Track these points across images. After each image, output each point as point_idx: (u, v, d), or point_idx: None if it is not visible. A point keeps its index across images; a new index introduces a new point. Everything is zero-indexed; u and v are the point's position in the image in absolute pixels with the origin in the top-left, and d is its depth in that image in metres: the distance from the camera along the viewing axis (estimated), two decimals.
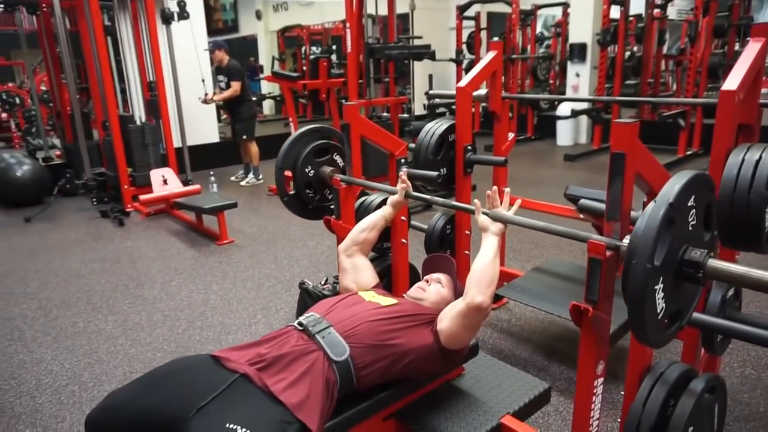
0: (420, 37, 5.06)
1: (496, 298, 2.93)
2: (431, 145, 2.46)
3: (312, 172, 2.19)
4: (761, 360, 2.37)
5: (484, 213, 1.60)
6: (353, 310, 1.53)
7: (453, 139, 2.50)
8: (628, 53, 7.64)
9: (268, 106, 13.10)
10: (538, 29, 9.81)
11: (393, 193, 1.94)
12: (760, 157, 1.60)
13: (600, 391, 1.47)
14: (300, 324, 1.46)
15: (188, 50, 5.94)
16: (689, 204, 1.08)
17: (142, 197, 4.77)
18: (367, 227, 1.88)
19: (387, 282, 2.53)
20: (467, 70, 9.34)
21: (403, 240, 2.39)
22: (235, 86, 5.48)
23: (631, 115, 8.48)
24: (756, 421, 1.99)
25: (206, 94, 5.75)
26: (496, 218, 1.56)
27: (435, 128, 2.50)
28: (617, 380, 2.17)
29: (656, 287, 1.03)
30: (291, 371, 1.32)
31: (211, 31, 12.91)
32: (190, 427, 1.19)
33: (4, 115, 9.36)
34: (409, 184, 1.90)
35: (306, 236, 4.24)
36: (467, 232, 2.62)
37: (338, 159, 2.24)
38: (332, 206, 2.24)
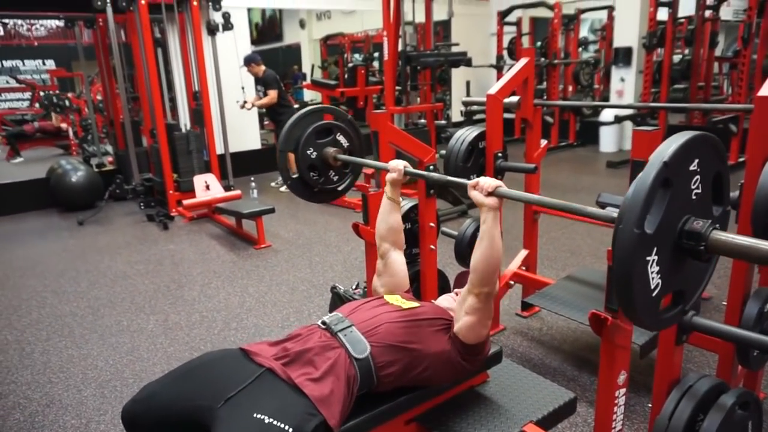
0: (457, 44, 5.07)
1: (526, 306, 2.91)
2: (461, 152, 2.48)
3: (315, 153, 2.11)
4: None
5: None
6: (375, 312, 1.56)
7: (483, 146, 2.50)
8: (678, 57, 7.39)
9: None
10: (585, 33, 9.62)
11: (387, 170, 1.85)
12: None
13: (622, 402, 1.44)
14: (323, 323, 1.51)
15: (232, 60, 6.15)
16: (691, 168, 0.96)
17: (186, 202, 4.96)
18: (382, 218, 1.85)
19: (416, 288, 2.54)
20: None
21: (432, 246, 2.40)
22: (272, 94, 5.62)
23: (681, 120, 8.19)
24: None
25: (245, 101, 5.92)
26: (491, 193, 1.44)
27: (465, 135, 2.51)
28: (647, 392, 2.11)
29: (648, 258, 0.91)
30: (314, 366, 1.37)
31: (256, 39, 13.29)
32: (219, 417, 1.25)
33: (63, 125, 9.92)
34: (407, 164, 1.82)
35: (341, 242, 4.31)
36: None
37: (342, 139, 2.15)
38: (339, 188, 2.20)
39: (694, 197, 0.97)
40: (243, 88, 5.80)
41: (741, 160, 6.30)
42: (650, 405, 1.95)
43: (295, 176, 2.15)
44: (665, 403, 1.50)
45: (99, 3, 4.83)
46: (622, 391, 1.43)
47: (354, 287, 2.88)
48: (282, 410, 1.25)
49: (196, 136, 5.44)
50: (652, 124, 6.83)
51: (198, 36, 5.25)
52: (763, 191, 1.57)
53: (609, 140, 7.77)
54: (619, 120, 6.46)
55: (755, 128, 1.67)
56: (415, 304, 1.66)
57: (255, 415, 1.22)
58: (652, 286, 0.93)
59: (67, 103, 9.96)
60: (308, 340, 1.44)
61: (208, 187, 5.10)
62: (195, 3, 5.15)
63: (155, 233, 4.88)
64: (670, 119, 7.40)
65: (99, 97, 9.21)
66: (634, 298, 0.92)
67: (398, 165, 1.79)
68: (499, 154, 2.48)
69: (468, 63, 4.51)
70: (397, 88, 4.85)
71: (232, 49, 5.76)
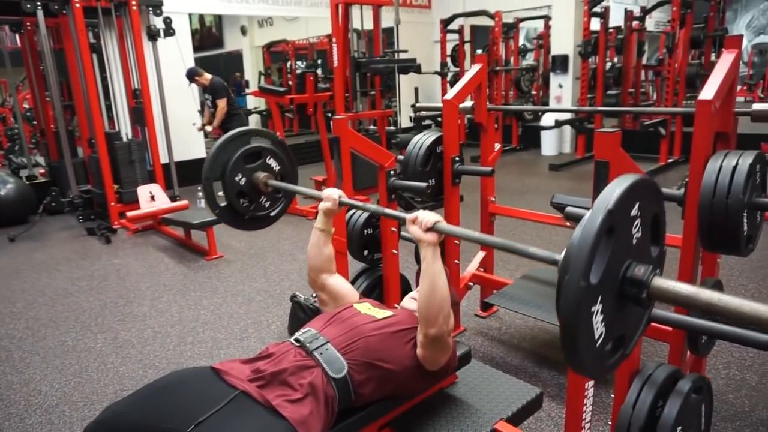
0: (406, 51, 5.13)
1: (486, 306, 2.97)
2: (420, 157, 2.51)
3: (243, 179, 1.98)
4: (745, 361, 2.43)
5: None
6: (349, 325, 1.53)
7: (441, 150, 2.55)
8: (609, 64, 7.81)
9: (254, 121, 13.10)
10: (521, 41, 9.98)
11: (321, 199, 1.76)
12: (737, 164, 1.67)
13: (591, 394, 1.50)
14: (297, 340, 1.46)
15: (175, 67, 5.96)
16: (632, 213, 0.93)
17: (129, 214, 4.75)
18: (316, 251, 1.74)
19: (378, 292, 2.55)
20: (452, 83, 9.45)
21: (394, 251, 2.42)
22: (221, 104, 5.50)
23: (613, 124, 8.64)
24: (741, 421, 2.04)
25: (203, 125, 5.80)
26: (429, 228, 1.39)
27: (423, 140, 2.55)
28: (607, 384, 2.20)
29: (593, 309, 0.88)
30: (291, 387, 1.33)
31: (197, 46, 12.96)
32: None
33: None
34: (342, 193, 1.73)
35: (296, 250, 4.25)
36: (456, 242, 2.65)
37: (272, 162, 2.04)
38: (271, 213, 2.10)
39: (634, 242, 0.95)
40: (199, 110, 5.67)
41: (670, 160, 6.72)
42: (612, 395, 2.04)
43: (223, 205, 2.00)
44: (628, 392, 1.58)
45: (29, 6, 4.56)
46: (591, 383, 1.48)
47: (314, 295, 2.84)
48: None
49: (138, 144, 5.23)
50: (589, 129, 7.18)
51: (138, 41, 5.06)
52: (705, 190, 1.68)
53: (550, 144, 8.09)
54: (559, 124, 6.73)
55: (698, 129, 1.79)
56: (388, 312, 1.63)
57: None
58: (596, 336, 0.90)
59: None
60: (282, 360, 1.39)
61: (153, 197, 4.90)
62: (134, 7, 4.96)
63: (97, 247, 4.64)
64: (604, 123, 7.79)
65: (26, 105, 8.67)
66: (579, 350, 0.89)
67: (333, 194, 1.70)
68: (456, 158, 2.53)
69: (417, 69, 4.58)
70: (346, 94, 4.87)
71: (174, 55, 5.59)
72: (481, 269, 2.92)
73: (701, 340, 1.87)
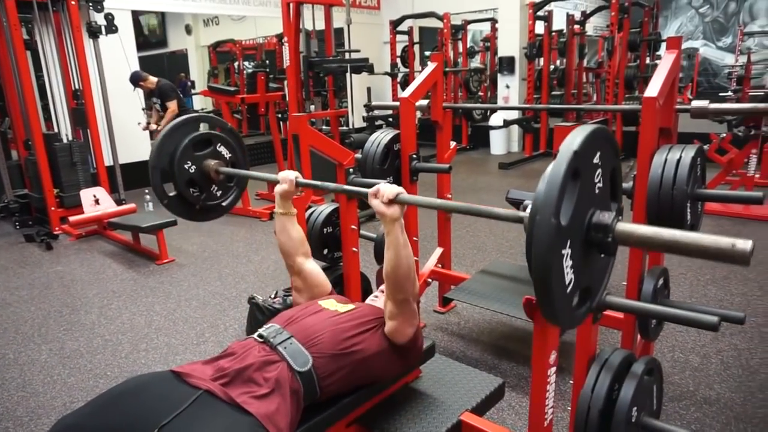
0: (358, 51, 5.14)
1: (446, 301, 3.02)
2: (377, 155, 2.53)
3: (193, 167, 1.91)
4: (687, 344, 2.57)
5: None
6: (313, 320, 1.52)
7: (398, 148, 2.57)
8: (552, 66, 8.09)
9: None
10: (469, 43, 10.18)
11: (276, 182, 1.72)
12: (680, 157, 1.77)
13: (553, 380, 1.55)
14: (260, 336, 1.44)
15: (118, 64, 5.73)
16: (595, 161, 0.95)
17: (72, 218, 4.52)
18: (284, 235, 1.73)
19: (339, 291, 2.54)
20: (402, 83, 9.53)
21: (354, 249, 2.42)
22: (172, 106, 5.34)
23: (557, 123, 8.96)
24: (687, 400, 2.16)
25: (147, 122, 5.60)
26: (391, 200, 1.36)
27: (380, 138, 2.57)
28: (563, 372, 2.29)
29: (564, 252, 0.88)
30: (256, 383, 1.31)
31: (139, 45, 12.51)
32: None
33: None
34: (299, 174, 1.69)
35: (250, 252, 4.17)
36: (414, 238, 2.68)
37: (223, 150, 1.98)
38: (223, 203, 2.03)
39: (597, 191, 0.96)
40: (143, 109, 5.47)
41: None
42: (570, 383, 2.11)
43: (172, 194, 1.93)
44: (587, 377, 1.64)
45: None
46: (553, 369, 1.53)
47: (273, 296, 2.80)
48: (226, 430, 1.19)
49: (80, 146, 4.99)
50: (536, 128, 7.41)
51: (78, 38, 4.83)
52: (653, 182, 1.77)
53: (499, 143, 8.30)
54: (507, 124, 6.92)
55: (644, 124, 1.88)
56: (351, 306, 1.65)
57: None
58: (567, 282, 0.90)
59: None
60: (246, 357, 1.36)
61: (97, 201, 4.69)
62: (73, 2, 4.73)
63: (37, 254, 4.39)
64: (549, 122, 8.07)
65: None
66: (553, 295, 0.89)
67: (289, 175, 1.66)
68: (414, 156, 2.56)
69: (370, 69, 4.59)
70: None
71: (118, 54, 5.37)
72: (439, 265, 2.96)
73: (651, 324, 1.97)
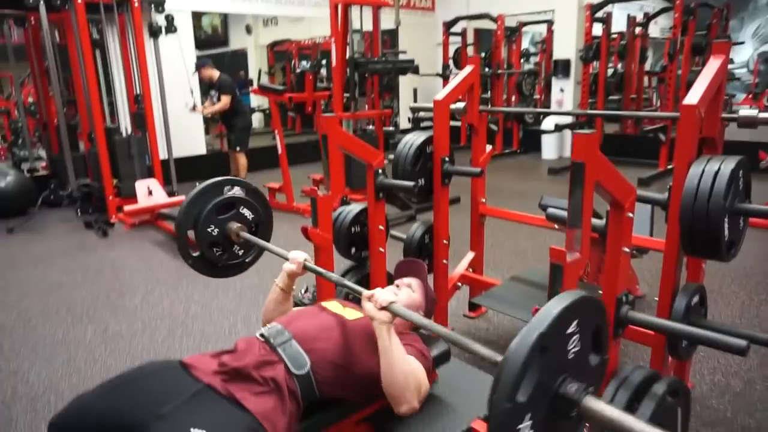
0: (404, 52, 5.15)
1: (472, 306, 2.98)
2: (409, 156, 2.52)
3: (216, 230, 1.97)
4: (731, 368, 2.42)
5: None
6: (318, 321, 1.53)
7: (431, 150, 2.56)
8: (611, 70, 7.81)
9: (257, 120, 13.13)
10: (525, 45, 9.99)
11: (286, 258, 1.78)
12: (719, 169, 1.67)
13: None
14: (262, 335, 1.47)
15: (176, 63, 5.99)
16: (569, 331, 0.93)
17: (127, 208, 4.78)
18: (273, 307, 1.77)
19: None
20: None
21: (381, 249, 2.43)
22: (225, 100, 5.54)
23: (615, 129, 8.64)
24: (722, 426, 2.04)
25: (195, 105, 5.79)
26: (383, 307, 1.38)
27: (413, 140, 2.56)
28: None
29: (521, 426, 0.87)
30: (255, 381, 1.35)
31: (199, 43, 13.03)
32: (153, 431, 1.21)
33: None
34: (308, 257, 1.73)
35: (290, 246, 4.21)
36: (445, 241, 2.66)
37: (246, 212, 2.05)
38: (246, 260, 2.10)
39: (571, 356, 0.95)
40: (192, 90, 5.67)
41: (670, 167, 6.70)
42: None
43: (196, 255, 1.99)
44: (604, 393, 1.58)
45: (31, 0, 4.60)
46: None
47: (303, 291, 2.86)
48: (222, 424, 1.23)
49: (138, 140, 5.26)
50: None
51: (139, 38, 5.09)
52: (687, 194, 1.68)
53: (550, 148, 8.09)
54: (559, 128, 6.73)
55: (681, 133, 1.79)
56: (358, 314, 1.61)
57: (192, 429, 1.18)
58: None
59: None
60: (246, 354, 1.40)
61: (150, 192, 4.93)
62: (136, 4, 4.99)
63: (94, 241, 4.67)
64: (606, 128, 7.79)
65: (31, 100, 8.73)
66: None
67: (298, 257, 1.69)
68: (446, 159, 2.54)
69: (415, 70, 4.59)
70: (346, 94, 4.88)
71: (176, 52, 5.61)
72: (470, 270, 2.92)
73: (681, 344, 1.87)
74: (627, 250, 1.59)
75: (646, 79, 8.84)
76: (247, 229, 2.03)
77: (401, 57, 5.08)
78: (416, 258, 2.67)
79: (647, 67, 8.98)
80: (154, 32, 5.27)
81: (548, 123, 7.39)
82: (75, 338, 2.88)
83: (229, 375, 1.35)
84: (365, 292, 1.42)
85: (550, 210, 1.92)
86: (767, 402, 2.18)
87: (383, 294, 1.39)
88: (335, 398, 1.51)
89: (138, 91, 5.32)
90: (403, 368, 1.38)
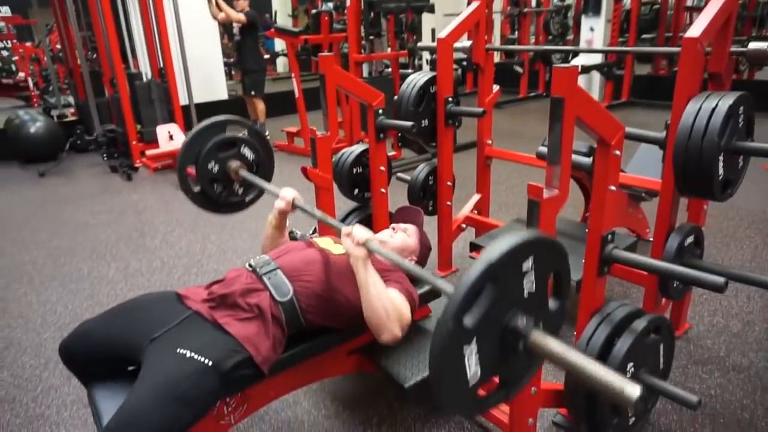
0: None
1: (473, 247, 3.02)
2: (413, 96, 2.50)
3: (216, 167, 2.01)
4: (732, 309, 2.42)
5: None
6: (303, 255, 1.60)
7: (434, 91, 2.53)
8: (647, 7, 7.38)
9: (282, 64, 13.04)
10: None
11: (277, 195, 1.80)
12: (716, 105, 1.62)
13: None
14: (250, 265, 1.55)
15: (195, 5, 5.95)
16: (525, 268, 0.95)
17: (149, 152, 4.90)
18: (267, 242, 1.82)
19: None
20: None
21: (383, 189, 2.46)
22: (240, 17, 5.42)
23: (648, 71, 8.25)
24: (713, 365, 2.06)
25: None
26: (360, 243, 1.43)
27: (417, 80, 2.53)
28: (570, 320, 2.24)
29: (467, 348, 0.90)
30: (240, 308, 1.43)
31: None
32: (146, 353, 1.33)
33: (22, 74, 9.55)
34: (298, 195, 1.75)
35: (304, 189, 4.29)
36: (448, 183, 2.67)
37: (247, 152, 2.07)
38: (246, 199, 2.14)
39: (526, 295, 0.97)
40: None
41: None
42: (575, 332, 2.08)
43: (196, 190, 2.02)
44: (585, 328, 1.62)
45: None
46: None
47: (312, 232, 2.94)
48: (205, 346, 1.32)
49: (158, 85, 5.32)
50: (618, 75, 6.88)
51: None
52: (682, 131, 1.64)
53: None
54: (585, 70, 6.48)
55: (682, 69, 1.73)
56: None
57: (178, 350, 1.29)
58: (469, 375, 0.92)
59: (12, 67, 9.60)
60: (234, 283, 1.48)
61: (171, 137, 5.03)
62: None
63: (118, 184, 4.84)
64: (636, 70, 7.45)
65: (59, 47, 8.85)
66: (445, 387, 0.92)
67: (288, 195, 1.73)
68: (450, 99, 2.51)
69: (431, 9, 4.45)
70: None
71: None
72: (476, 212, 2.94)
73: (672, 284, 1.88)
74: (614, 188, 1.58)
75: (687, 15, 8.32)
76: (248, 169, 2.07)
77: None
78: (420, 199, 2.70)
79: (689, 2, 8.44)
80: None
81: (576, 64, 7.11)
82: (99, 274, 3.06)
83: (216, 302, 1.45)
84: (344, 229, 1.47)
85: (540, 149, 1.90)
86: (763, 343, 2.18)
87: (361, 231, 1.44)
88: (323, 327, 1.59)
89: (156, 36, 5.33)
90: (381, 300, 1.44)
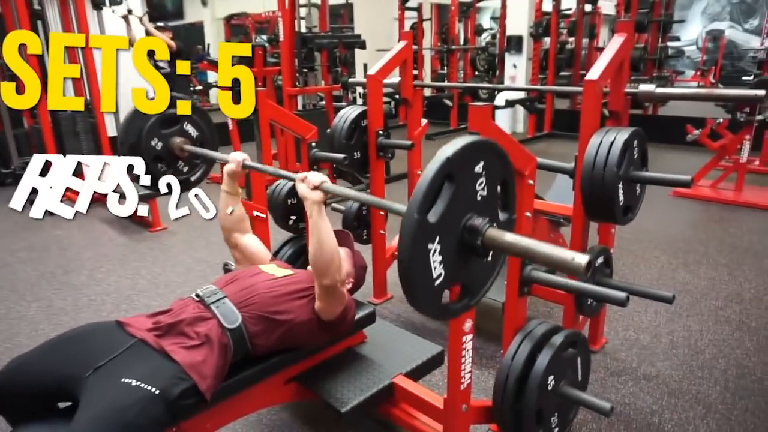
0: (351, 27, 5.17)
1: None
2: (344, 130, 2.61)
3: (159, 144, 2.02)
4: (642, 324, 2.64)
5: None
6: (249, 282, 1.63)
7: (365, 124, 2.64)
8: (562, 46, 7.97)
9: (214, 95, 12.91)
10: (486, 21, 10.07)
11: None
12: (614, 139, 1.83)
13: (470, 346, 1.65)
14: (197, 295, 1.56)
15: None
16: (476, 170, 1.02)
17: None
18: (223, 210, 1.88)
19: (303, 261, 2.65)
20: None
21: None
22: (171, 42, 5.39)
23: (567, 105, 8.86)
24: (627, 375, 2.24)
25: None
26: (315, 187, 1.48)
27: (348, 114, 2.64)
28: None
29: (430, 246, 0.96)
30: (187, 336, 1.44)
31: (154, 17, 12.57)
32: (87, 385, 1.29)
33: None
34: (247, 156, 1.79)
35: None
36: (381, 213, 2.77)
37: (190, 128, 2.08)
38: (191, 178, 2.15)
39: (479, 198, 1.04)
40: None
41: None
42: (502, 350, 2.21)
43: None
44: (510, 345, 1.74)
45: None
46: (469, 336, 1.63)
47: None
48: (151, 375, 1.31)
49: (83, 117, 5.15)
50: (539, 109, 7.36)
51: (81, 9, 4.95)
52: (586, 162, 1.83)
53: (503, 123, 8.25)
54: (510, 104, 6.89)
55: (584, 106, 1.93)
56: (289, 272, 1.75)
57: (123, 379, 1.28)
58: (434, 275, 0.98)
59: None
60: (181, 313, 1.49)
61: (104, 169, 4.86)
62: None
63: (40, 219, 4.59)
64: (557, 104, 7.99)
65: None
66: (414, 284, 0.97)
67: (237, 157, 1.79)
68: (380, 132, 2.63)
69: (362, 45, 4.63)
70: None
71: (123, 25, 5.48)
72: None
73: (586, 302, 2.05)
74: (529, 214, 1.72)
75: (599, 55, 9.05)
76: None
77: (356, 32, 5.10)
78: (354, 228, 2.78)
79: (600, 43, 9.20)
80: (97, 3, 5.13)
81: (501, 99, 7.54)
82: (18, 315, 2.90)
83: (162, 331, 1.44)
84: (299, 175, 1.51)
85: None
86: (669, 352, 2.40)
87: (315, 175, 1.50)
88: (268, 352, 1.62)
89: (82, 67, 5.18)
90: (330, 245, 1.51)
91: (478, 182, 1.05)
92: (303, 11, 5.03)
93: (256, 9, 11.49)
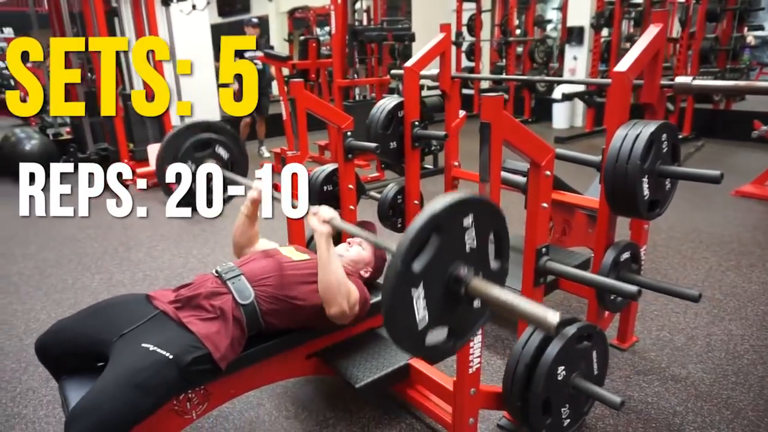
0: (402, 19, 5.22)
1: None
2: (381, 120, 2.67)
3: (194, 167, 2.12)
4: (679, 325, 2.56)
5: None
6: (266, 262, 1.75)
7: (402, 115, 2.70)
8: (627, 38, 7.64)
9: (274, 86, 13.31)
10: (549, 13, 9.80)
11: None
12: (640, 132, 1.79)
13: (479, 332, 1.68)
14: (216, 271, 1.70)
15: (193, 31, 6.18)
16: (465, 224, 1.06)
17: (139, 170, 5.06)
18: (240, 232, 2.01)
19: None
20: (467, 53, 9.42)
21: (351, 206, 2.62)
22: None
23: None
24: (654, 375, 2.19)
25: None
26: (325, 221, 1.61)
27: (385, 104, 2.71)
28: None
29: (414, 292, 1.00)
30: (204, 309, 1.58)
31: (223, 11, 13.12)
32: (114, 348, 1.47)
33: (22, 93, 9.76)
34: (268, 186, 1.85)
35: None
36: (416, 201, 2.83)
37: (221, 151, 2.24)
38: (224, 197, 2.16)
39: (468, 249, 1.07)
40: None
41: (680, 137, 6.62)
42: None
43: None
44: (522, 333, 1.76)
45: None
46: None
47: None
48: (167, 341, 1.46)
49: None
50: (599, 103, 7.12)
51: (151, 5, 5.28)
52: (610, 156, 1.81)
53: (561, 117, 8.06)
54: (566, 97, 6.72)
55: (611, 99, 1.91)
56: (306, 256, 1.84)
57: (142, 344, 1.43)
58: (418, 318, 1.02)
59: (12, 82, 9.84)
60: (200, 287, 1.63)
61: None
62: None
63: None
64: None
65: None
66: (397, 326, 1.02)
67: (259, 185, 1.87)
68: (416, 123, 2.68)
69: (411, 38, 4.67)
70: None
71: (193, 19, 5.81)
72: None
73: (609, 296, 2.02)
74: (545, 205, 1.73)
75: (671, 45, 8.59)
76: (223, 168, 2.22)
77: (408, 24, 5.15)
78: (388, 217, 2.86)
79: (674, 33, 8.73)
80: (165, 0, 5.45)
81: (558, 92, 7.36)
82: (82, 285, 3.19)
83: (181, 303, 1.59)
84: (312, 208, 1.64)
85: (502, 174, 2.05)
86: (703, 355, 2.32)
87: (326, 210, 1.62)
88: (282, 330, 1.73)
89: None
90: (337, 275, 1.62)
91: (467, 235, 1.08)
92: (358, 4, 5.13)
93: (318, 3, 11.72)
